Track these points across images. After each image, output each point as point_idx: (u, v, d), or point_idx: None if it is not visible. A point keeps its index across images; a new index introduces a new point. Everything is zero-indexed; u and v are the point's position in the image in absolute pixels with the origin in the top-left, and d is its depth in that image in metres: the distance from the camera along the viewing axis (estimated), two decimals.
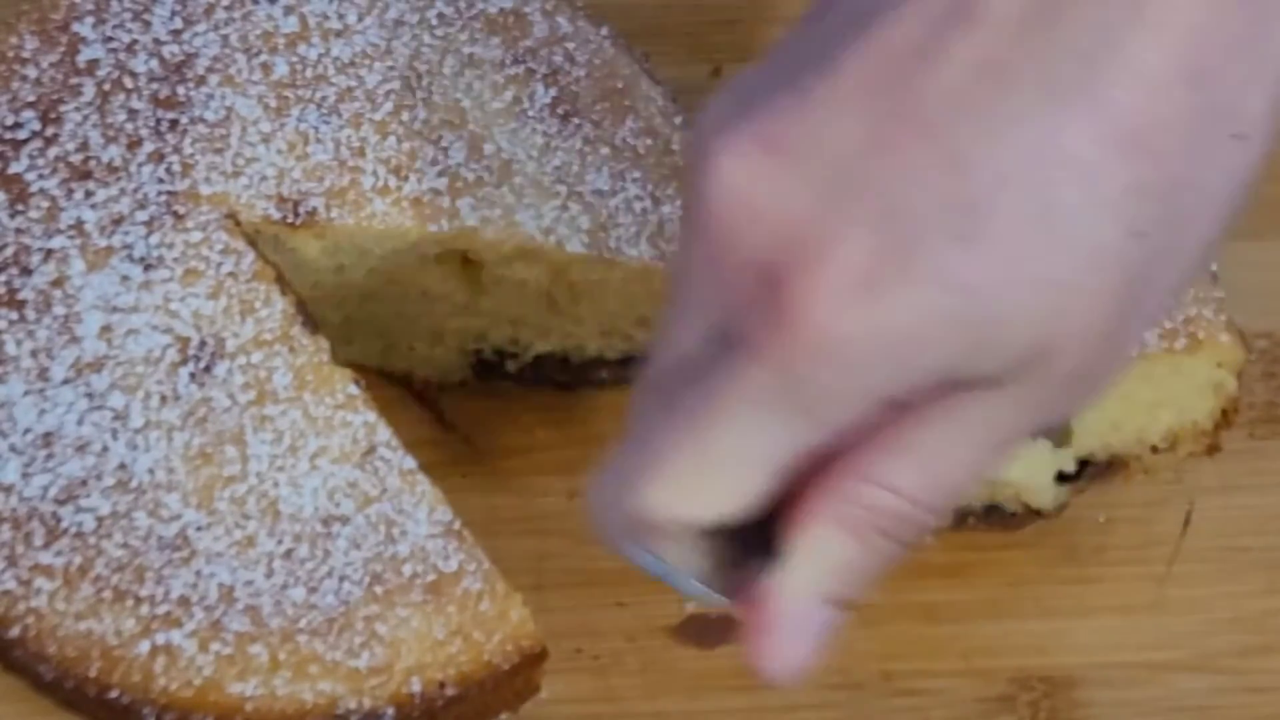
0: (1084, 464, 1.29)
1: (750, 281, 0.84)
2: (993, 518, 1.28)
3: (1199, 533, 1.29)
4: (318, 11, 1.26)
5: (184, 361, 1.17)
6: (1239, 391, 1.26)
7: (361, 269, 1.27)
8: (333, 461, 1.16)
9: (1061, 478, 1.29)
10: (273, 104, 1.23)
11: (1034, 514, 1.28)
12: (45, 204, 1.20)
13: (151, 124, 1.22)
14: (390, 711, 1.14)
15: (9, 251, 1.19)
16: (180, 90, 1.23)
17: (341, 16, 1.26)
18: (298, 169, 1.22)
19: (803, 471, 0.89)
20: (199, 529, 1.14)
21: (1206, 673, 1.24)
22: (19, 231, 1.19)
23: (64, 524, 1.14)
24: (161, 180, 1.20)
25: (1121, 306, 0.84)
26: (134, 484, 1.14)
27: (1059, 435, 1.28)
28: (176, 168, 1.21)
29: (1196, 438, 1.28)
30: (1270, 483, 1.31)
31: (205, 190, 1.20)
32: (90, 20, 1.25)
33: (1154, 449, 1.28)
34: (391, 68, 1.25)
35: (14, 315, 1.17)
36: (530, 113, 1.26)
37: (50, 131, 1.21)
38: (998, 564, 1.28)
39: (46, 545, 1.14)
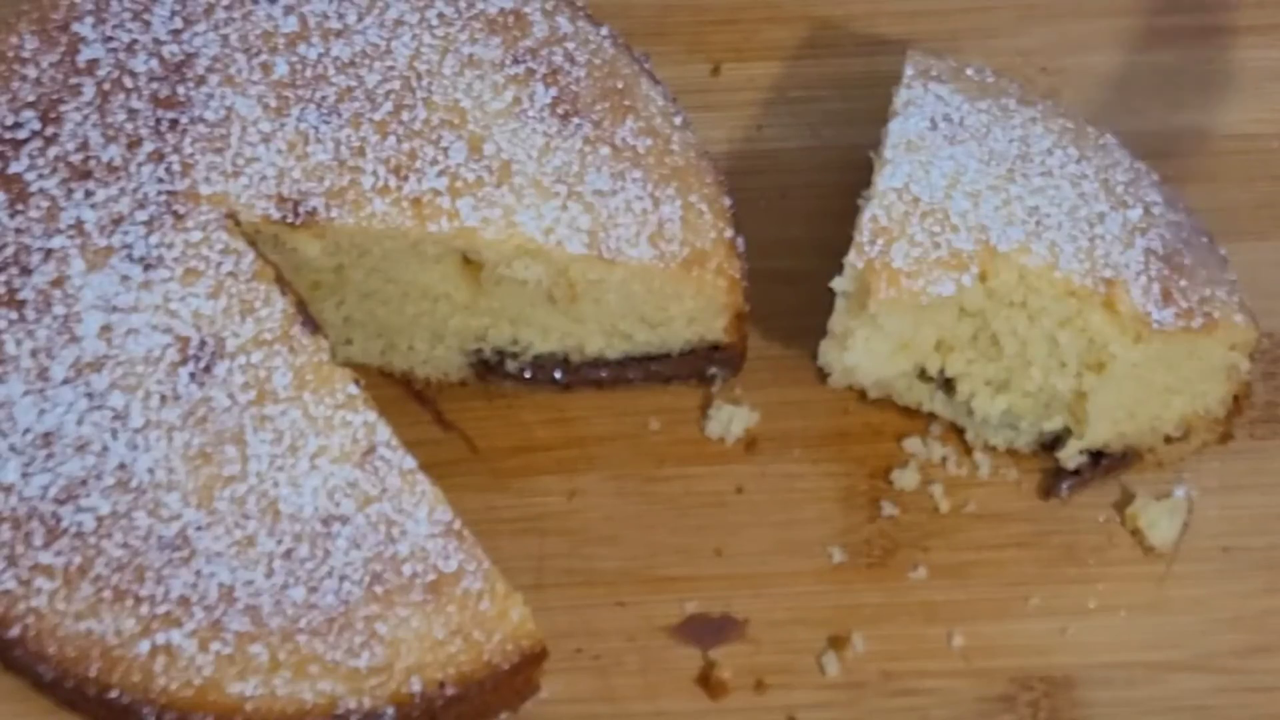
0: (1098, 456, 1.29)
1: None
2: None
3: (1199, 533, 1.29)
4: (318, 11, 1.26)
5: (184, 361, 1.17)
6: (1249, 376, 1.26)
7: (361, 269, 1.27)
8: (333, 461, 1.16)
9: (1074, 472, 1.29)
10: (273, 104, 1.23)
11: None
12: (45, 204, 1.20)
13: (151, 124, 1.22)
14: (390, 711, 1.14)
15: (9, 251, 1.19)
16: (180, 90, 1.23)
17: (341, 16, 1.26)
18: (298, 169, 1.22)
19: None
20: (199, 529, 1.14)
21: (1206, 673, 1.24)
22: (19, 231, 1.19)
23: (64, 524, 1.14)
24: (161, 180, 1.20)
25: None
26: (134, 484, 1.14)
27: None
28: (176, 167, 1.21)
29: (1209, 426, 1.28)
30: (1270, 483, 1.31)
31: (205, 190, 1.20)
32: (90, 20, 1.25)
33: (1167, 439, 1.28)
34: (391, 68, 1.25)
35: (14, 315, 1.17)
36: (530, 113, 1.26)
37: (50, 131, 1.21)
38: (998, 564, 1.28)
39: (46, 545, 1.14)
